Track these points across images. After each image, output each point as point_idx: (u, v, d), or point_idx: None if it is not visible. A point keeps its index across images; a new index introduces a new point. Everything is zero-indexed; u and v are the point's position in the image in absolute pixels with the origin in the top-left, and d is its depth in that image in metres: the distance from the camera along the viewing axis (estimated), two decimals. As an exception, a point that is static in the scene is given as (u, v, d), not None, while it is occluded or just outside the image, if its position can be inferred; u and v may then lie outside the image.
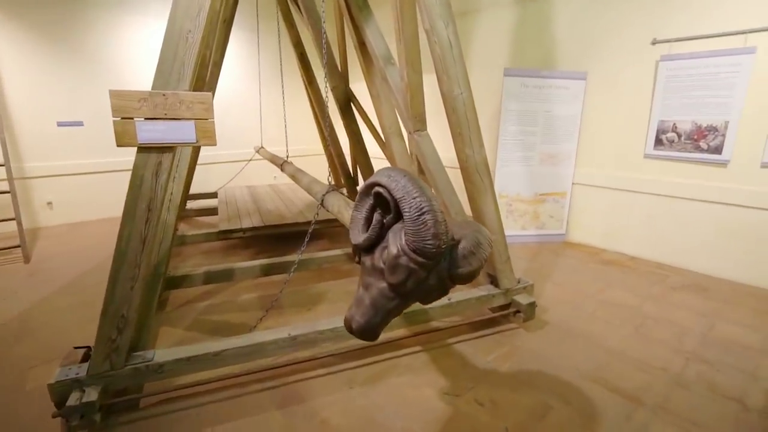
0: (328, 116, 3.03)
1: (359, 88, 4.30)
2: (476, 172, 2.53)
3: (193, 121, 1.83)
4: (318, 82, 5.24)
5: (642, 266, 4.11)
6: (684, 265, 4.02)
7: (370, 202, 1.49)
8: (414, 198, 1.28)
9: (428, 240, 1.24)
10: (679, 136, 3.96)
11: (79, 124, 5.69)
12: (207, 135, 1.86)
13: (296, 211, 4.77)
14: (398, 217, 1.37)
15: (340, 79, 4.38)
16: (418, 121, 2.90)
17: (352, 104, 4.44)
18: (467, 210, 2.89)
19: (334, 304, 3.28)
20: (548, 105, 4.59)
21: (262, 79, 6.53)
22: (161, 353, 2.08)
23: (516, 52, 5.10)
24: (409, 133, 2.97)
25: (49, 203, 5.61)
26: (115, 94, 1.71)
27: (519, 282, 2.93)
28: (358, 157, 4.63)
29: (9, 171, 4.44)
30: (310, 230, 2.57)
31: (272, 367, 2.33)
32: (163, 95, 1.77)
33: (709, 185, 3.83)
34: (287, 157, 5.07)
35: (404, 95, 2.81)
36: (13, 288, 3.65)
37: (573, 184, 4.78)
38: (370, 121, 4.32)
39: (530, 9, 4.87)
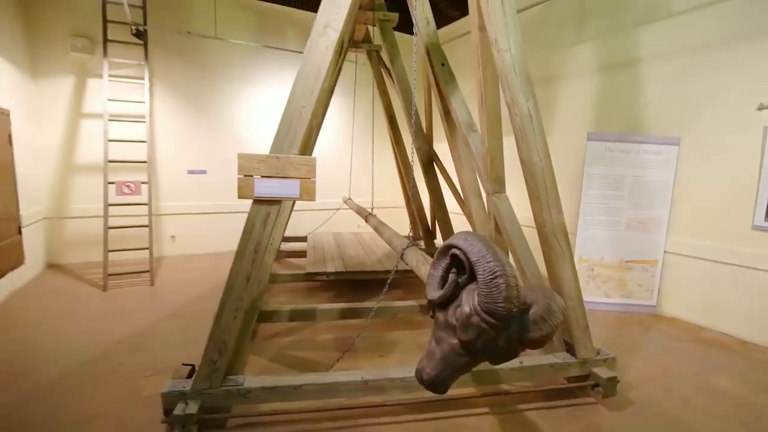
0: (412, 174, 3.22)
1: (441, 148, 4.52)
2: (553, 237, 2.50)
3: (298, 180, 2.11)
4: (404, 142, 5.60)
5: (754, 352, 3.54)
6: (807, 356, 3.41)
7: (446, 261, 1.58)
8: (488, 262, 1.35)
9: (500, 303, 1.29)
10: (794, 208, 3.51)
11: (203, 172, 6.63)
12: (308, 192, 2.13)
13: (375, 260, 4.97)
14: (472, 278, 1.44)
15: (424, 141, 4.64)
16: (497, 184, 2.97)
17: (434, 163, 4.65)
18: (543, 271, 2.82)
19: (405, 354, 3.31)
20: (636, 170, 4.38)
21: (354, 137, 7.13)
22: (250, 380, 2.28)
23: (600, 116, 5.00)
24: (488, 194, 3.05)
25: (173, 237, 6.49)
26: (241, 157, 2.06)
27: (599, 353, 2.73)
28: (437, 212, 4.76)
29: (151, 210, 5.29)
30: (389, 280, 2.70)
31: (344, 407, 2.41)
32: (277, 158, 2.09)
33: None
34: (371, 209, 5.37)
35: (484, 159, 2.92)
36: (138, 307, 4.25)
37: (665, 252, 4.39)
38: (450, 179, 4.47)
39: (616, 76, 4.81)
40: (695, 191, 4.19)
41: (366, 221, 4.88)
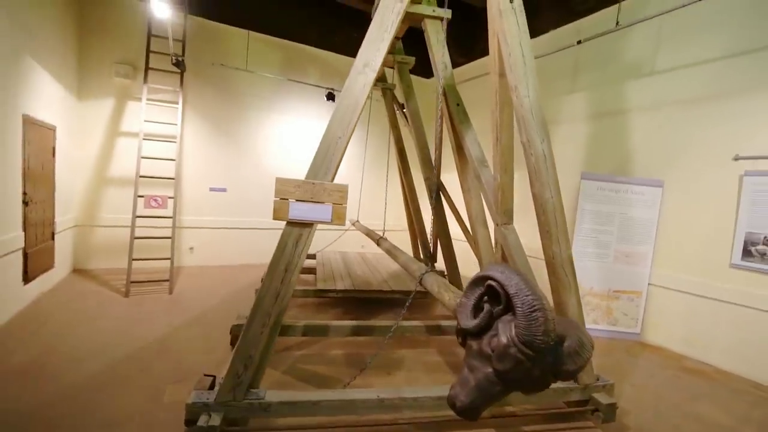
0: (417, 201, 3.16)
1: (447, 179, 4.50)
2: (562, 269, 2.44)
3: (331, 205, 2.05)
4: (411, 172, 5.58)
5: (733, 382, 3.45)
6: (787, 389, 3.32)
7: (480, 291, 1.50)
8: (527, 295, 1.28)
9: (538, 335, 1.22)
10: (771, 250, 3.49)
11: (224, 190, 6.55)
12: (339, 217, 2.06)
13: (381, 280, 4.86)
14: (508, 309, 1.37)
15: (432, 172, 4.61)
16: (506, 216, 2.92)
17: (440, 193, 4.60)
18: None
19: (411, 372, 3.17)
20: (624, 208, 4.37)
21: (365, 165, 7.13)
22: (271, 394, 2.14)
23: (592, 158, 5.03)
24: (497, 225, 2.99)
25: (191, 248, 6.35)
26: (279, 181, 2.00)
27: (598, 379, 2.62)
28: (441, 238, 4.67)
29: (174, 223, 5.18)
30: (407, 303, 2.59)
31: (357, 424, 2.27)
32: (313, 184, 2.03)
33: None
34: (383, 233, 5.29)
35: (496, 192, 2.88)
36: (158, 314, 4.08)
37: (649, 284, 4.33)
38: (456, 209, 4.42)
39: (606, 122, 4.87)
40: (677, 230, 4.17)
41: (378, 244, 4.79)
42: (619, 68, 4.72)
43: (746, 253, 3.64)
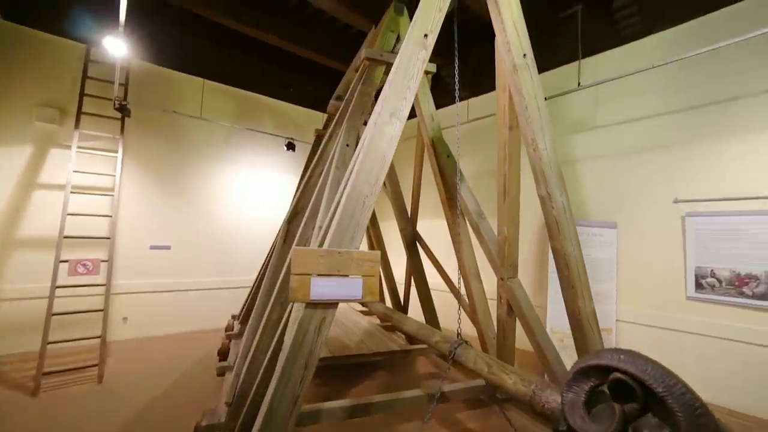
0: (385, 251, 2.82)
1: (423, 225, 4.25)
2: (588, 324, 2.22)
3: (361, 278, 1.61)
4: (378, 223, 5.27)
5: (713, 413, 3.45)
6: (752, 411, 3.39)
7: (590, 384, 1.16)
8: (682, 394, 0.96)
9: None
10: (720, 281, 3.71)
11: (167, 247, 5.58)
12: (372, 291, 1.62)
13: (357, 340, 4.29)
14: (645, 409, 1.03)
15: (408, 223, 4.34)
16: (512, 269, 2.69)
17: (417, 243, 4.32)
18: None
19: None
20: (587, 249, 4.45)
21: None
22: None
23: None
24: (501, 279, 2.74)
25: (125, 318, 5.17)
26: (299, 253, 1.53)
27: None
28: (420, 289, 4.33)
29: (108, 291, 4.16)
30: (445, 372, 2.12)
31: None
32: (339, 253, 1.58)
33: (762, 330, 3.44)
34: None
35: (501, 246, 2.65)
36: (80, 419, 3.02)
37: (617, 320, 4.38)
38: (436, 259, 4.14)
39: (563, 170, 5.08)
40: (635, 267, 4.34)
41: (364, 305, 4.24)
42: (565, 123, 5.04)
43: (698, 285, 3.83)
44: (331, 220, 1.91)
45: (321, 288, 1.55)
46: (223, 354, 4.28)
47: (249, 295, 5.34)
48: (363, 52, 3.00)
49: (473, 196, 2.96)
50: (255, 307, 3.44)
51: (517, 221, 2.60)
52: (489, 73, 4.63)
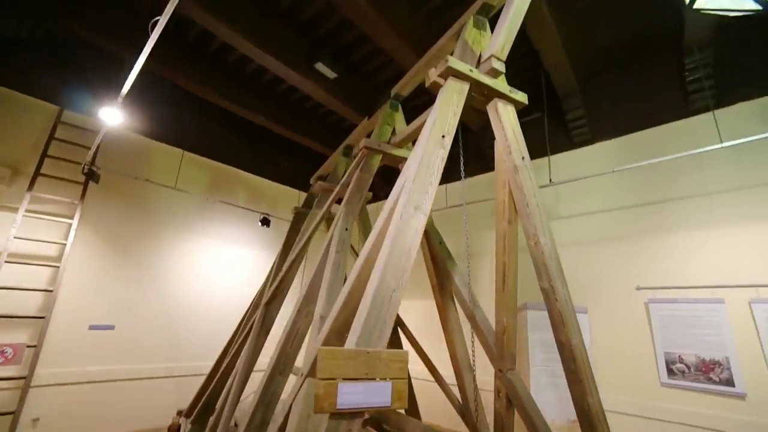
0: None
1: (404, 307, 4.13)
2: (599, 421, 2.16)
3: (390, 382, 1.47)
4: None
5: None
6: None
7: None
8: None
9: None
10: (688, 367, 3.88)
11: (110, 327, 4.86)
12: (401, 396, 1.48)
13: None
14: None
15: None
16: (510, 360, 2.63)
17: (399, 328, 4.16)
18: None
19: None
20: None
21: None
22: None
23: (527, 288, 5.33)
24: (499, 370, 2.66)
25: (35, 420, 4.18)
26: (326, 353, 1.39)
27: None
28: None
29: (27, 387, 3.42)
30: None
31: None
32: (368, 353, 1.46)
33: (728, 416, 3.54)
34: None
35: (499, 336, 2.62)
36: None
37: (598, 410, 4.32)
38: (421, 348, 3.95)
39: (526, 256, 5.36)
40: (609, 352, 4.43)
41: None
42: (531, 211, 5.46)
43: (670, 371, 3.95)
44: (350, 309, 1.80)
45: (348, 395, 1.39)
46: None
47: (208, 387, 4.66)
48: (363, 142, 3.17)
49: (468, 285, 2.99)
50: (223, 405, 2.99)
51: (515, 312, 2.62)
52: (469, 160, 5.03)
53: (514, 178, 2.34)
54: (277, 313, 3.67)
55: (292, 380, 2.63)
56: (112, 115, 3.28)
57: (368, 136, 4.70)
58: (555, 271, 2.25)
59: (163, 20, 2.00)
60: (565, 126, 4.98)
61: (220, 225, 6.14)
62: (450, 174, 6.25)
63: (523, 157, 2.34)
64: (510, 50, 2.31)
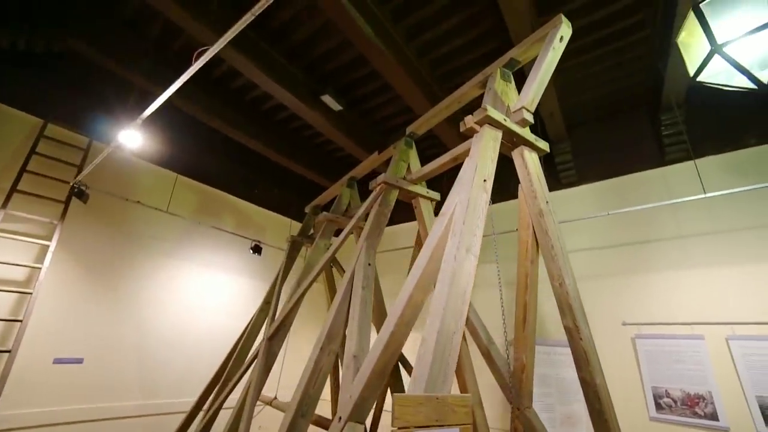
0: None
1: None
2: (624, 463, 2.21)
3: (457, 428, 1.46)
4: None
5: None
6: None
7: None
8: None
9: None
10: (675, 401, 4.07)
11: (79, 361, 4.40)
12: (467, 444, 1.47)
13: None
14: None
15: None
16: (527, 398, 2.67)
17: (400, 364, 4.10)
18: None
19: None
20: (556, 369, 4.66)
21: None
22: None
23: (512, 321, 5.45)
24: (517, 408, 2.68)
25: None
26: (402, 400, 1.37)
27: None
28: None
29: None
30: None
31: None
32: (437, 398, 1.45)
33: None
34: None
35: (518, 374, 2.67)
36: None
37: (591, 446, 4.39)
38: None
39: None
40: (599, 388, 4.58)
41: None
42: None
43: (658, 405, 4.12)
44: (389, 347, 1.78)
45: (423, 445, 1.36)
46: None
47: (188, 426, 4.30)
48: (382, 177, 3.23)
49: (481, 320, 3.04)
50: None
51: (534, 349, 2.69)
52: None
53: (538, 221, 2.47)
54: (280, 348, 3.52)
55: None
56: (132, 138, 3.14)
57: (375, 170, 4.83)
58: (578, 311, 2.36)
59: (209, 54, 2.00)
60: (555, 168, 5.33)
61: (209, 251, 5.88)
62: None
63: (547, 201, 2.49)
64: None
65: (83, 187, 4.03)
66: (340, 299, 2.66)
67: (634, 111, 5.12)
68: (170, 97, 2.55)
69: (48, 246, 3.96)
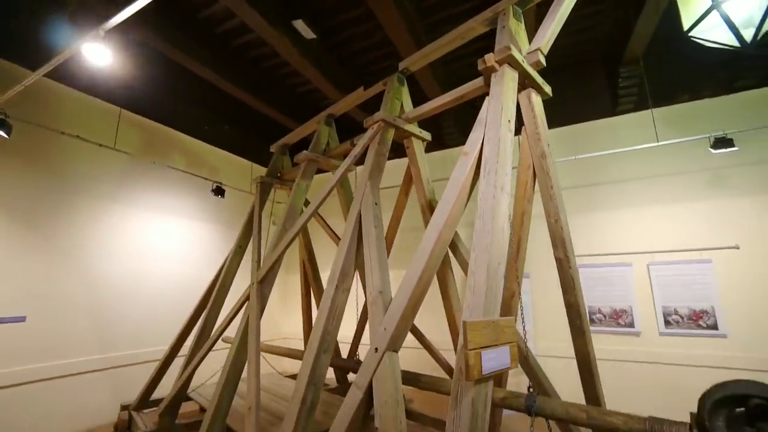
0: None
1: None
2: (595, 367, 2.69)
3: (507, 346, 1.64)
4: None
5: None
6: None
7: (725, 412, 1.52)
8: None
9: None
10: (604, 316, 4.96)
11: (20, 320, 3.89)
12: (515, 358, 1.66)
13: (320, 411, 3.83)
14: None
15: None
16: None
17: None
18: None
19: None
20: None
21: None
22: None
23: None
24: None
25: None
26: (472, 326, 1.48)
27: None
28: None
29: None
30: None
31: None
32: (494, 322, 1.60)
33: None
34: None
35: (508, 301, 2.98)
36: None
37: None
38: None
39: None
40: (545, 308, 5.32)
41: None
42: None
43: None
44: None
45: (488, 361, 1.51)
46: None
47: (162, 375, 4.17)
48: (379, 115, 3.10)
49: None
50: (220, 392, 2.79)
51: (522, 280, 3.00)
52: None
53: (540, 163, 2.62)
54: (270, 291, 3.46)
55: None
56: (98, 54, 2.48)
57: (361, 107, 4.56)
58: (569, 244, 2.65)
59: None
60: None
61: (160, 194, 5.29)
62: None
63: (548, 144, 2.63)
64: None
65: (2, 116, 3.24)
66: (349, 238, 2.64)
67: (592, 63, 5.42)
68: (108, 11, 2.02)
69: (-40, 188, 3.22)
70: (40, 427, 3.83)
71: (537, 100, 2.64)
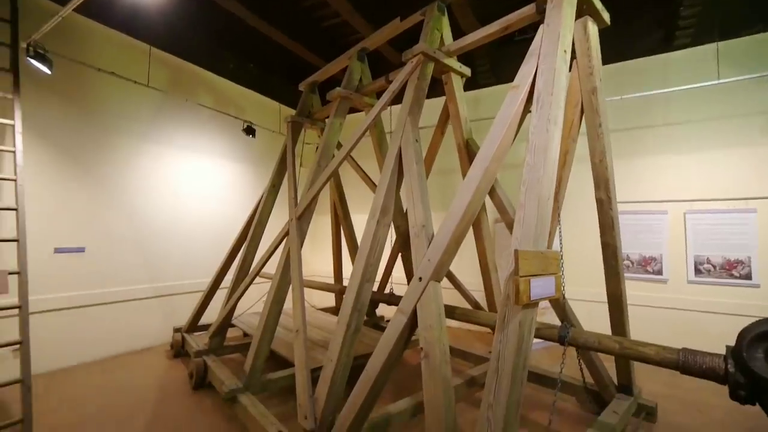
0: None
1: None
2: (626, 305, 2.78)
3: (553, 276, 1.71)
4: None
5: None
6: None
7: (766, 347, 1.58)
8: None
9: None
10: (632, 262, 4.98)
11: (80, 250, 4.25)
12: (558, 288, 1.74)
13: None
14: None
15: (404, 220, 4.41)
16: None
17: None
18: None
19: None
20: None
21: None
22: None
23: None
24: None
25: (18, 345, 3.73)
26: (524, 255, 1.55)
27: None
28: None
29: (26, 315, 2.98)
30: (559, 375, 2.25)
31: None
32: (542, 253, 1.66)
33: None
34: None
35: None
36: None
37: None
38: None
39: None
40: (579, 252, 5.27)
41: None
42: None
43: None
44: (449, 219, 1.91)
45: (535, 288, 1.60)
46: (199, 377, 3.60)
47: (208, 303, 4.57)
48: (419, 47, 2.96)
49: (508, 197, 3.25)
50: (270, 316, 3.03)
51: (558, 220, 3.01)
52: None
53: (590, 99, 2.51)
54: (308, 226, 3.62)
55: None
56: None
57: (391, 42, 4.33)
58: (612, 185, 2.62)
59: None
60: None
61: (194, 133, 5.39)
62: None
63: (600, 79, 2.49)
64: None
65: (42, 50, 3.26)
66: (389, 175, 2.67)
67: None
68: None
69: (13, 126, 3.36)
70: (106, 341, 4.34)
71: (593, 30, 2.45)
